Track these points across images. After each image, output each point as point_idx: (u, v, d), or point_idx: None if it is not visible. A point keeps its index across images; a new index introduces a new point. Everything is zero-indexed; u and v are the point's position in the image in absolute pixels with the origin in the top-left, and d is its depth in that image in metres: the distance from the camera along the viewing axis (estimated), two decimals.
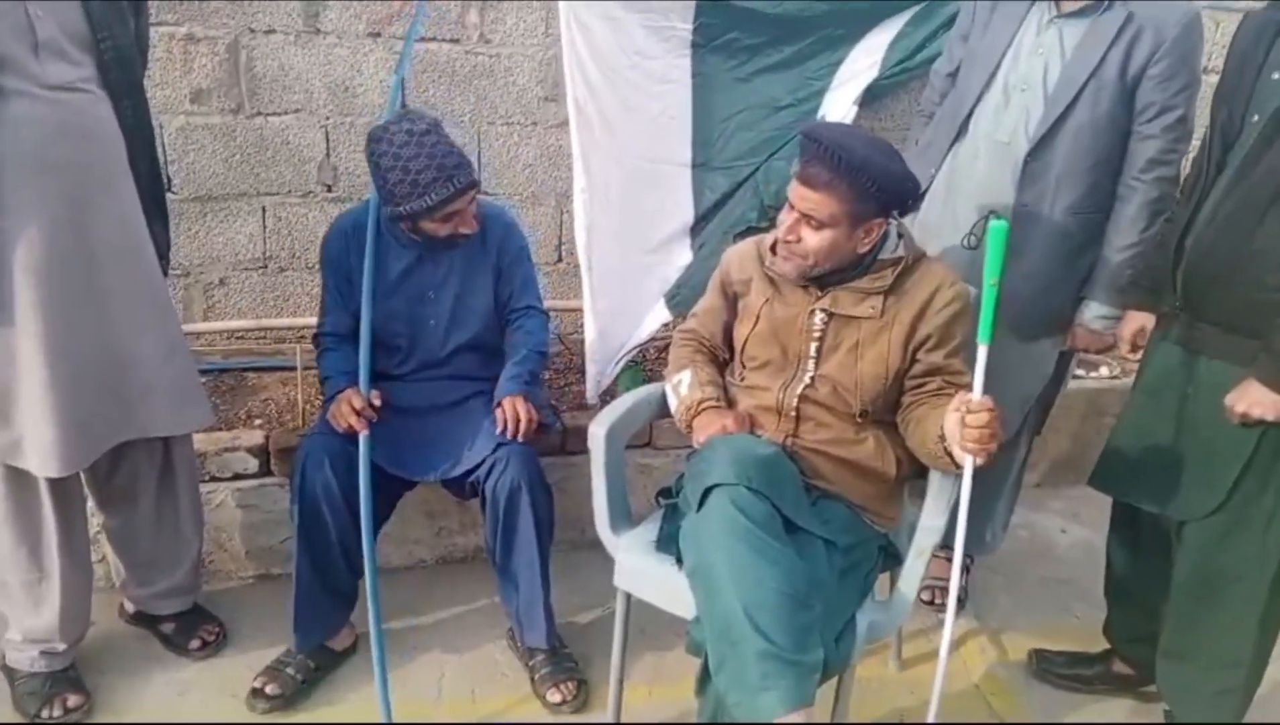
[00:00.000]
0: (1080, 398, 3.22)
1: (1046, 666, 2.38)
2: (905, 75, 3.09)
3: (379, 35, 2.86)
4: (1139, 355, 2.13)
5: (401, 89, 2.36)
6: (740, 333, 2.02)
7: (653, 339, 3.03)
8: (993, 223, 1.58)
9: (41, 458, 1.81)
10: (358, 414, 2.05)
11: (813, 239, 1.82)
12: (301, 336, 3.07)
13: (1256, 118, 1.74)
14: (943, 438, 1.75)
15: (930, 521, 1.79)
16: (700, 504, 1.71)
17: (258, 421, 2.74)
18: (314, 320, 2.97)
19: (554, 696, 2.18)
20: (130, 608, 2.31)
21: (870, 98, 3.07)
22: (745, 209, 3.04)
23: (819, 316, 1.91)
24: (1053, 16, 2.16)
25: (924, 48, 3.07)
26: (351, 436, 2.05)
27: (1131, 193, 2.16)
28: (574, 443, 2.68)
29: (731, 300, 2.07)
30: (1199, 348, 1.89)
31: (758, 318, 1.98)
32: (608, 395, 2.95)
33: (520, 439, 2.13)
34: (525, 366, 2.25)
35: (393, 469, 2.12)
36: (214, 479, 2.43)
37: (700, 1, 2.92)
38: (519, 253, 2.31)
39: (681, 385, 2.03)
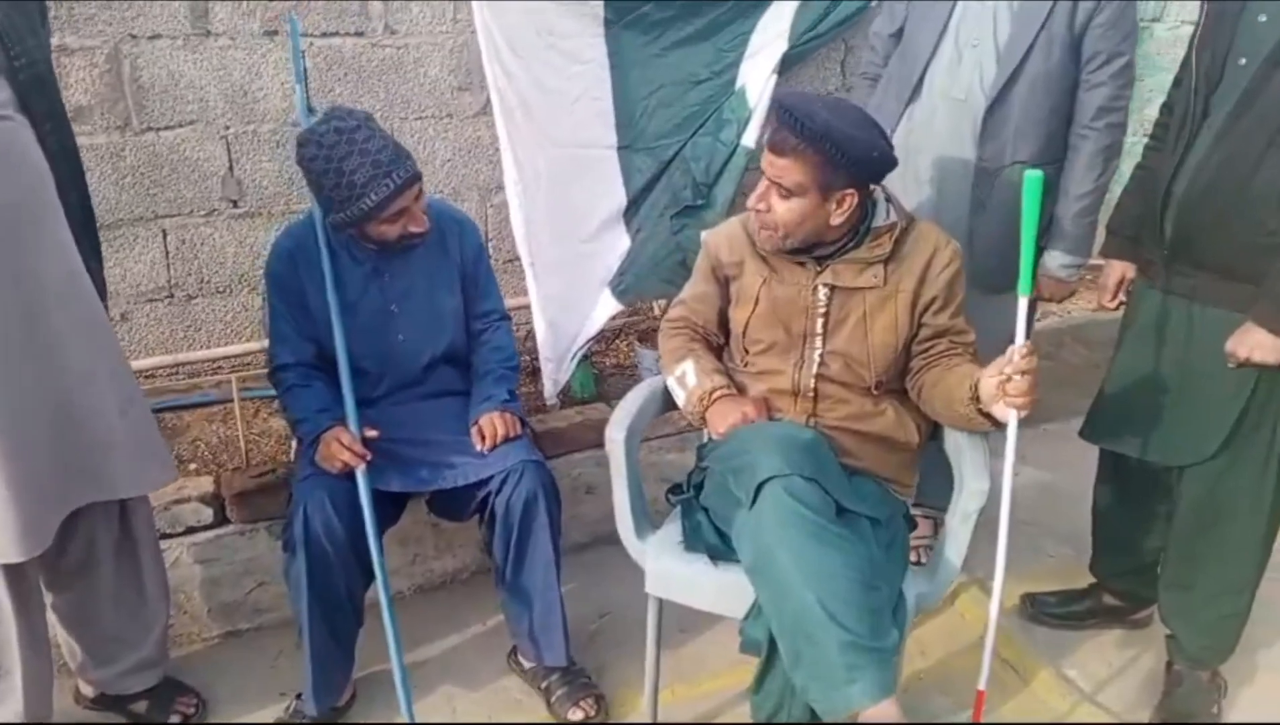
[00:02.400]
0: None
1: (1040, 609, 2.45)
2: (816, 43, 3.09)
3: (276, 34, 2.64)
4: (1114, 304, 2.17)
5: (304, 90, 2.16)
6: (739, 316, 1.96)
7: (601, 332, 2.94)
8: (1028, 174, 1.57)
9: (0, 544, 1.57)
10: (350, 450, 1.88)
11: (781, 207, 1.78)
12: (218, 368, 2.84)
13: (1244, 61, 1.77)
14: (975, 398, 1.74)
15: (975, 484, 1.78)
16: (754, 498, 1.64)
17: (192, 466, 2.50)
18: (231, 349, 2.80)
19: (575, 715, 2.08)
20: (90, 691, 2.06)
21: (783, 66, 3.05)
22: (678, 188, 2.98)
23: (822, 291, 1.87)
24: None
25: (829, 13, 3.08)
26: (346, 473, 1.89)
27: (1083, 141, 2.21)
28: (546, 447, 2.57)
29: (723, 284, 2.01)
30: (1191, 295, 1.92)
31: (757, 299, 1.92)
32: (563, 394, 2.85)
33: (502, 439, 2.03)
34: (501, 386, 2.13)
35: (401, 487, 1.97)
36: (165, 536, 2.19)
37: None
38: (479, 250, 2.17)
39: (687, 377, 1.95)
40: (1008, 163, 2.22)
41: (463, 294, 2.14)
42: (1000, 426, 1.73)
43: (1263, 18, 1.75)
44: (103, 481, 1.73)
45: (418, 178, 1.95)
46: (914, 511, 2.10)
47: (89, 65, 2.47)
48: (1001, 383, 1.67)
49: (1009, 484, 1.74)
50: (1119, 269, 2.15)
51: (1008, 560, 2.28)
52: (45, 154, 1.61)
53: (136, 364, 2.66)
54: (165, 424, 2.67)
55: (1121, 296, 2.17)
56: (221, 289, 2.80)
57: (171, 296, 2.76)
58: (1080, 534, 2.45)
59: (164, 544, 2.18)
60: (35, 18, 1.62)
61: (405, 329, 2.08)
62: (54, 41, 2.40)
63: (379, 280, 2.06)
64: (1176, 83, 2.00)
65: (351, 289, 2.03)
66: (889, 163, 1.81)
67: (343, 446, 1.89)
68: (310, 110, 2.70)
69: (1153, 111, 2.15)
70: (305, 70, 2.52)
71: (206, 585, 2.28)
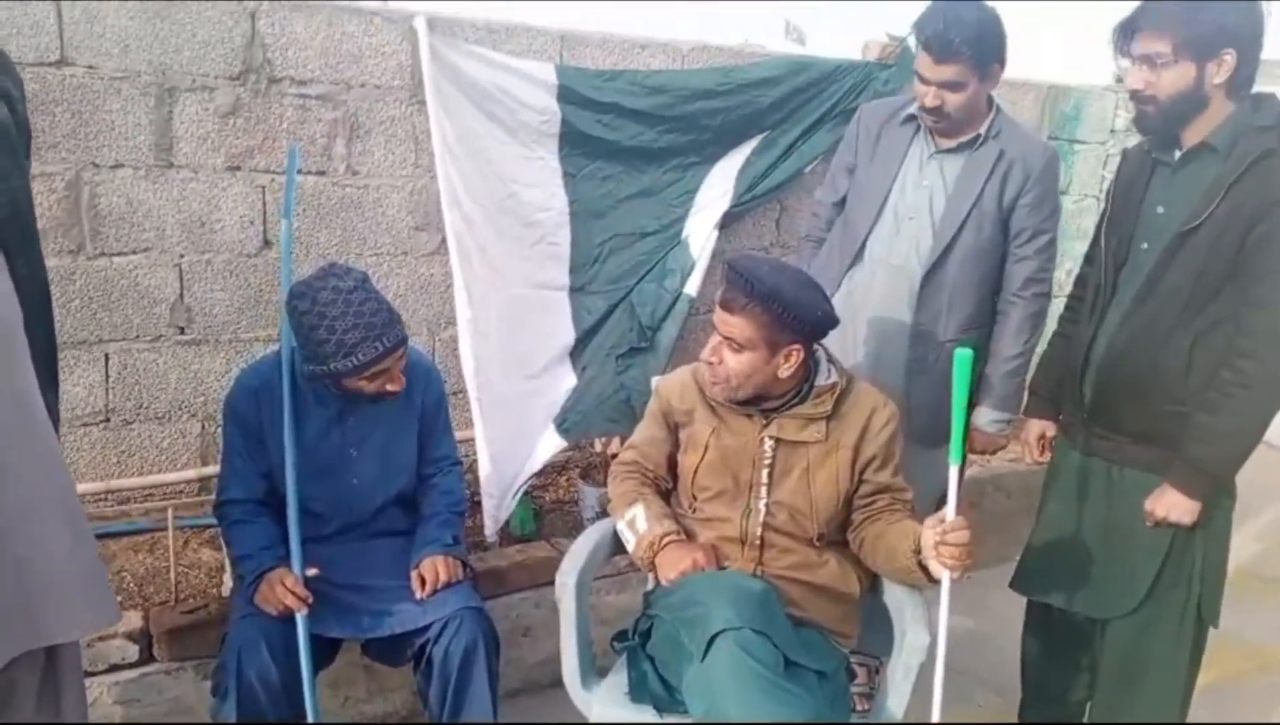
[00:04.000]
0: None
1: None
2: (754, 203, 3.30)
3: (239, 169, 2.69)
4: (1044, 457, 2.29)
5: (289, 225, 2.19)
6: (688, 463, 2.02)
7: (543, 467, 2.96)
8: (958, 351, 1.68)
9: None
10: (293, 594, 1.86)
11: (732, 361, 1.88)
12: (150, 495, 2.77)
13: (1146, 246, 1.95)
14: (917, 552, 1.81)
15: (917, 640, 1.82)
16: (706, 650, 1.66)
17: (118, 598, 2.41)
18: (166, 477, 2.75)
19: None
20: None
21: (724, 222, 3.22)
22: (624, 330, 3.09)
23: (768, 443, 1.94)
24: (932, 152, 2.36)
25: (767, 176, 3.31)
26: (285, 614, 1.85)
27: (1012, 308, 2.37)
28: (485, 587, 2.54)
29: (673, 430, 2.07)
30: (1111, 456, 2.05)
31: (706, 447, 1.98)
32: (502, 530, 2.84)
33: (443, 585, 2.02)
34: (446, 530, 2.13)
35: (339, 633, 1.94)
36: (87, 674, 2.10)
37: (561, 132, 2.97)
38: (440, 399, 2.20)
39: (637, 521, 1.98)
40: (942, 326, 2.36)
41: (419, 439, 2.16)
42: (936, 582, 1.79)
43: (1160, 209, 1.93)
44: (41, 629, 1.63)
45: (404, 342, 1.99)
46: (851, 658, 2.13)
47: (47, 191, 2.48)
48: (936, 544, 1.74)
49: (944, 642, 1.78)
50: (1038, 426, 2.29)
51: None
52: (15, 286, 1.61)
53: None
54: None
55: (1042, 452, 2.29)
56: (160, 415, 2.76)
57: (108, 421, 2.71)
58: (1008, 682, 2.50)
59: (85, 683, 2.09)
60: (21, 153, 1.63)
61: (361, 473, 2.08)
62: None
63: (341, 424, 2.07)
64: (1089, 259, 2.18)
65: (312, 430, 2.04)
66: (831, 321, 1.93)
67: (286, 589, 1.86)
68: (266, 242, 2.78)
69: (1060, 275, 2.32)
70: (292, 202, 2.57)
71: None
